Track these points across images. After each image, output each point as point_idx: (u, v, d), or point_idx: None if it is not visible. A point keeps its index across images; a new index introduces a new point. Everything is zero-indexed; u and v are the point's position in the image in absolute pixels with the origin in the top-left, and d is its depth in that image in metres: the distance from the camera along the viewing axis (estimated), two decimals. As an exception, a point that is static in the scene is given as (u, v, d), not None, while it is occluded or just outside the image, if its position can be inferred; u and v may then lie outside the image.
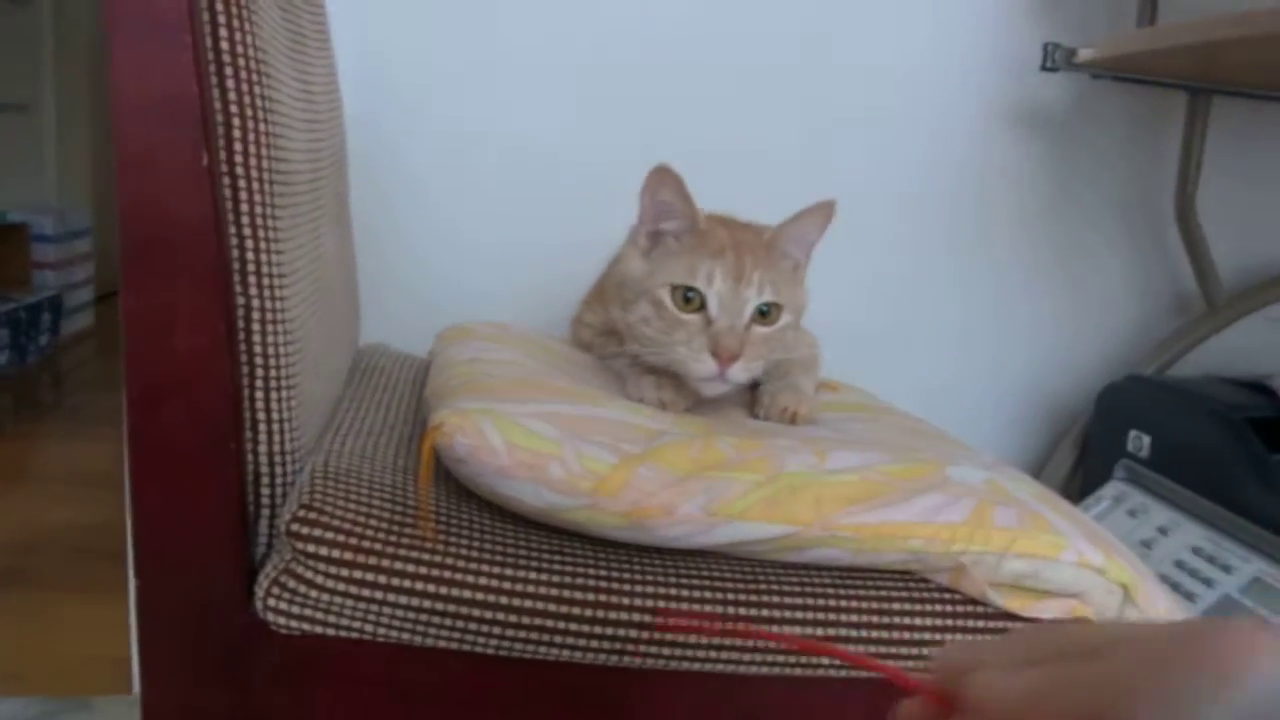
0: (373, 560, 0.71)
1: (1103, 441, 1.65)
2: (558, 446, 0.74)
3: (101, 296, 4.20)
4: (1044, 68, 1.62)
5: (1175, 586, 1.35)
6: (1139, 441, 1.55)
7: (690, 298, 0.96)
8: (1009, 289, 1.80)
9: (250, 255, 0.73)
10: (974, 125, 1.73)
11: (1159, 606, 0.82)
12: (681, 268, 0.96)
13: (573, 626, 0.74)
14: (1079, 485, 1.69)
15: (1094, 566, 0.80)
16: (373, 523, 0.73)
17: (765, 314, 0.97)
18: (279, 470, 0.76)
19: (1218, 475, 1.41)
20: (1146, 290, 1.86)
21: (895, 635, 0.79)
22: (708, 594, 0.76)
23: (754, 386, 1.04)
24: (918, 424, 1.07)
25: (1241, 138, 1.79)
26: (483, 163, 1.59)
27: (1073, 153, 1.78)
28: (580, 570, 0.75)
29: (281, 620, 0.73)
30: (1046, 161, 1.77)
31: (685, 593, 0.76)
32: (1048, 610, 0.81)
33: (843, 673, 0.79)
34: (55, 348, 3.53)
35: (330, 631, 0.73)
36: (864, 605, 0.79)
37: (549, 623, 0.74)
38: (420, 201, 1.58)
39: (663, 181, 0.98)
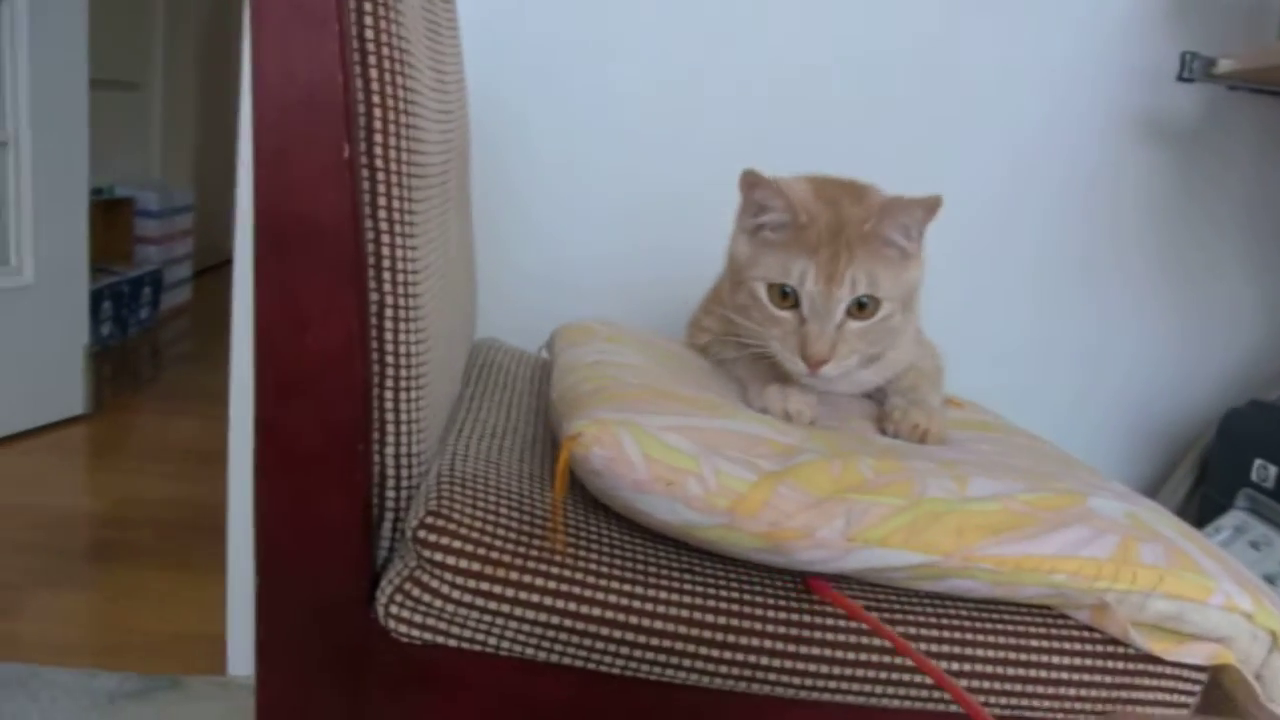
0: (500, 572, 0.69)
1: (1224, 468, 1.59)
2: (695, 462, 0.71)
3: (199, 272, 4.26)
4: (1180, 78, 1.56)
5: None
6: (1265, 471, 1.49)
7: (786, 293, 0.94)
8: (1135, 305, 1.76)
9: (386, 251, 0.72)
10: (1106, 136, 1.68)
11: (1306, 655, 0.78)
12: (777, 265, 0.95)
13: (702, 650, 0.71)
14: (1195, 512, 1.64)
15: (1242, 611, 0.76)
16: (500, 532, 0.71)
17: (863, 307, 0.94)
18: (405, 473, 0.75)
19: (1349, 510, 1.35)
20: (1271, 311, 1.79)
21: (1032, 673, 0.76)
22: (841, 620, 0.73)
23: (881, 400, 1.01)
24: (1044, 445, 1.03)
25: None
26: (595, 160, 1.58)
27: (1205, 165, 1.71)
28: (712, 591, 0.72)
29: (404, 628, 0.71)
30: (1177, 174, 1.71)
31: (818, 619, 0.73)
32: (1191, 654, 0.77)
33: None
34: (155, 322, 3.58)
35: (452, 642, 0.72)
36: (1001, 641, 0.76)
37: (678, 644, 0.71)
38: (528, 198, 1.58)
39: (754, 184, 0.97)
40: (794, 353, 0.93)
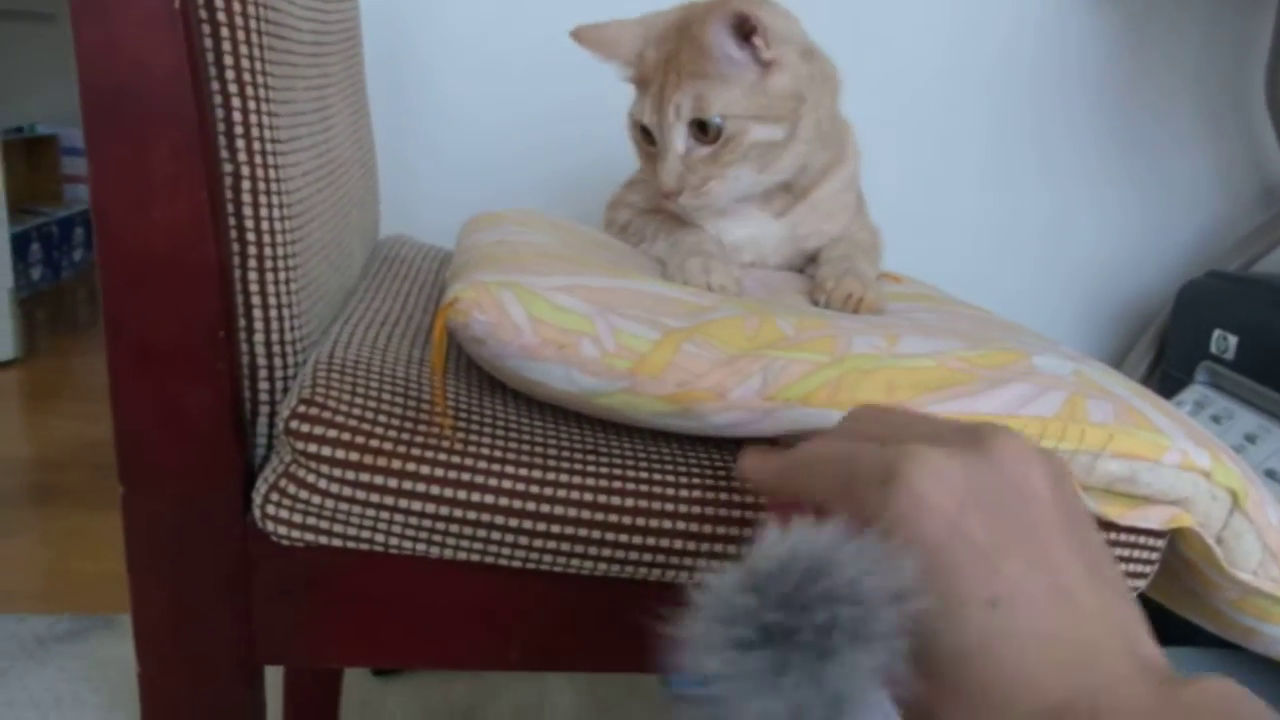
0: (382, 461, 0.63)
1: (1183, 342, 1.54)
2: (589, 322, 0.64)
3: (137, 212, 4.17)
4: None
5: (1268, 496, 1.25)
6: (1224, 342, 1.44)
7: (646, 131, 0.94)
8: (1091, 180, 1.72)
9: (238, 116, 0.64)
10: (1049, 4, 1.63)
11: (1269, 517, 0.72)
12: (635, 103, 0.95)
13: (609, 536, 0.65)
14: (1156, 389, 1.59)
15: (1200, 469, 0.70)
16: (382, 419, 0.64)
17: (705, 130, 0.89)
18: (279, 362, 0.68)
19: (1312, 376, 1.31)
20: (1229, 180, 1.75)
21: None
22: (762, 498, 0.67)
23: (814, 271, 0.95)
24: (993, 316, 0.97)
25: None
26: (506, 52, 1.52)
27: (1151, 27, 1.67)
28: (618, 472, 0.66)
29: (282, 530, 0.64)
30: (1127, 46, 1.67)
31: (738, 497, 0.67)
32: (1146, 518, 0.71)
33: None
34: (89, 263, 3.49)
35: (336, 542, 0.65)
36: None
37: (583, 531, 0.64)
38: (440, 94, 1.53)
39: (581, 41, 0.95)
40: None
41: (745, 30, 0.88)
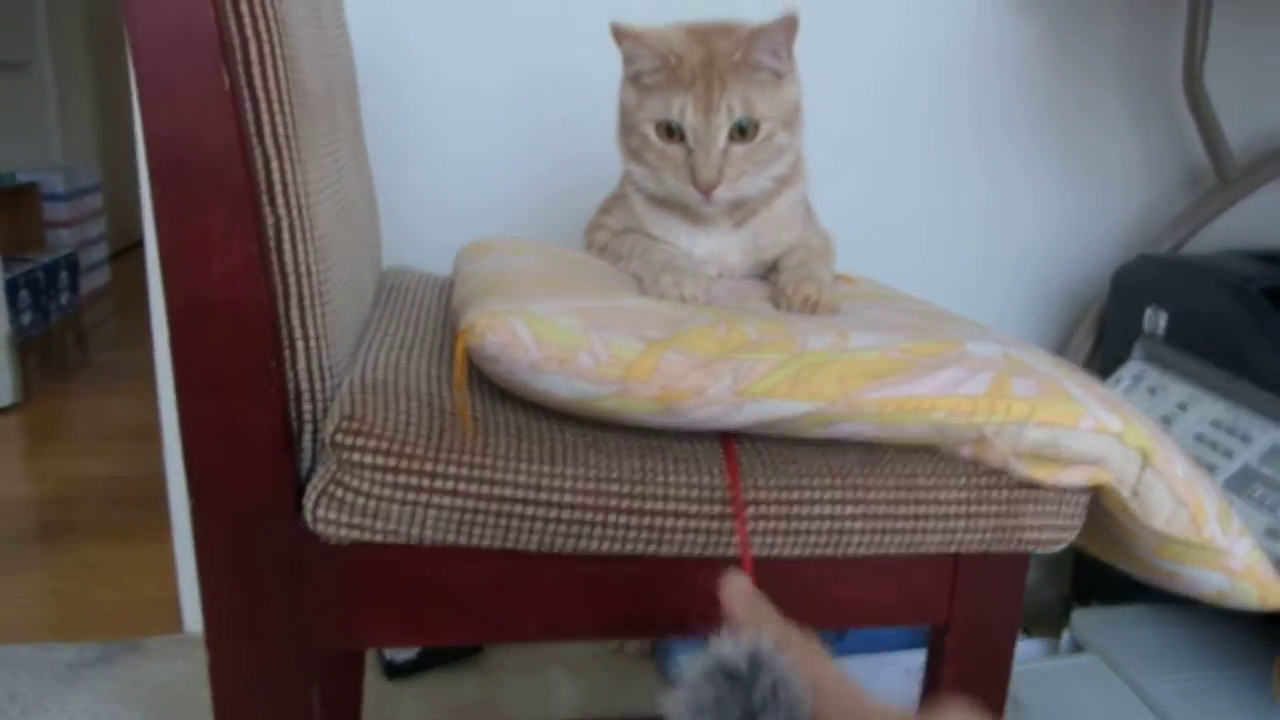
0: (415, 464, 0.74)
1: (1120, 322, 1.67)
2: (585, 338, 0.76)
3: (116, 253, 4.23)
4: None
5: (1196, 460, 1.36)
6: (1155, 319, 1.56)
7: (672, 130, 1.03)
8: (1030, 173, 1.83)
9: (276, 175, 0.75)
10: (983, 6, 1.74)
11: (1177, 470, 0.84)
12: (659, 104, 1.03)
13: (610, 518, 0.77)
14: (1099, 368, 1.71)
15: (1112, 432, 0.82)
16: (412, 429, 0.75)
17: (744, 130, 1.02)
18: (318, 386, 0.79)
19: (1235, 347, 1.43)
20: (1157, 167, 1.86)
21: (923, 509, 0.82)
22: (743, 481, 0.79)
23: (775, 278, 1.07)
24: (935, 309, 1.08)
25: (1248, 8, 1.78)
26: (489, 83, 1.62)
27: (1077, 31, 1.78)
28: (615, 462, 0.77)
29: (331, 529, 0.75)
30: (1048, 40, 1.77)
31: (719, 479, 0.78)
32: (1069, 478, 0.83)
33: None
34: (76, 307, 3.56)
35: (378, 537, 0.76)
36: (892, 483, 0.82)
37: (588, 515, 0.76)
38: (426, 131, 1.62)
39: (622, 36, 1.04)
40: (686, 182, 1.03)
41: (790, 39, 1.03)
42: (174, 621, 1.75)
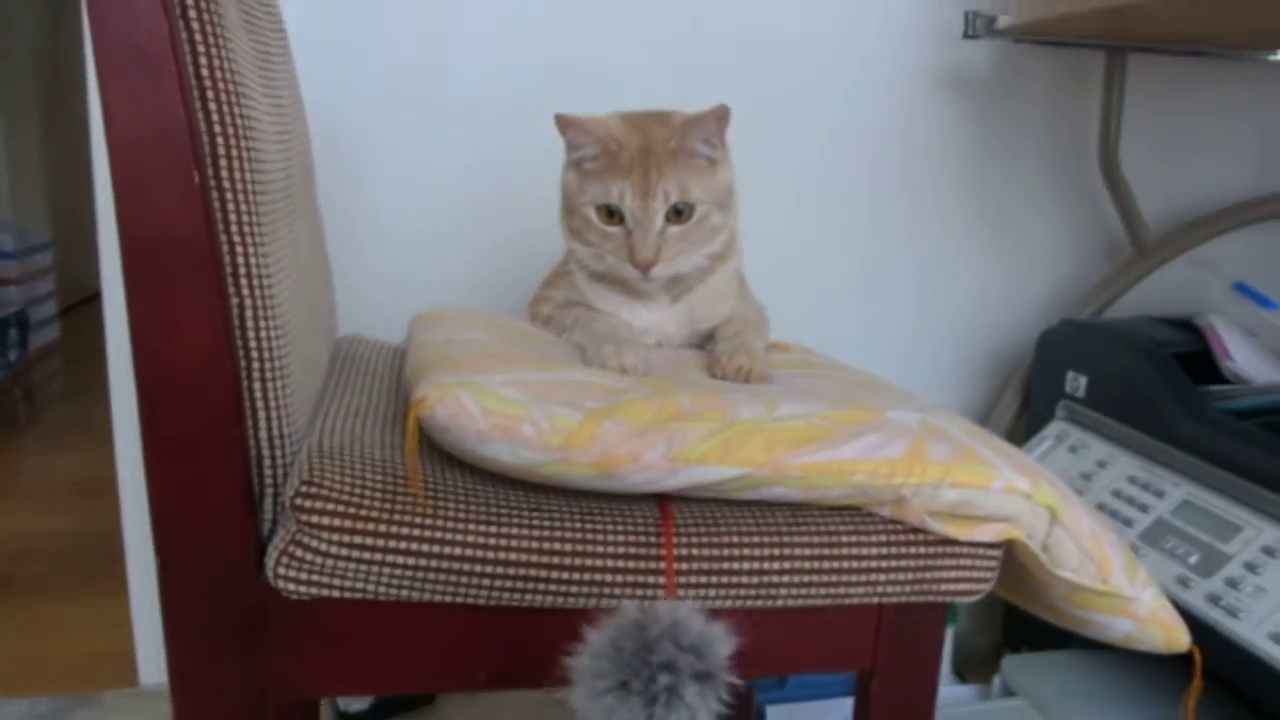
0: (370, 526, 0.79)
1: (1043, 384, 1.75)
2: (528, 410, 0.82)
3: (65, 309, 4.23)
4: (966, 35, 1.70)
5: (1114, 514, 1.44)
6: (1076, 382, 1.64)
7: (612, 212, 1.10)
8: (958, 247, 1.91)
9: (240, 259, 0.80)
10: (912, 94, 1.83)
11: (1083, 526, 0.90)
12: (600, 189, 1.10)
13: (554, 575, 0.82)
14: (1025, 427, 1.79)
15: (1021, 492, 0.88)
16: (367, 492, 0.80)
17: (679, 213, 1.10)
18: (279, 452, 0.84)
19: (1149, 409, 1.51)
20: (1078, 239, 1.96)
21: (846, 564, 0.88)
22: (677, 539, 0.85)
23: (711, 348, 1.13)
24: (863, 376, 1.15)
25: (1158, 93, 1.89)
26: (440, 162, 1.68)
27: (1000, 114, 1.87)
28: (558, 523, 0.83)
29: (292, 586, 0.80)
30: (982, 123, 1.86)
31: (655, 538, 0.84)
32: (983, 534, 0.89)
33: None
34: (25, 363, 3.56)
35: (336, 593, 0.81)
36: (816, 539, 0.87)
37: (533, 572, 0.82)
38: (378, 205, 1.68)
39: (566, 125, 1.12)
40: (626, 261, 1.10)
41: (722, 127, 1.10)
42: (130, 675, 1.76)
